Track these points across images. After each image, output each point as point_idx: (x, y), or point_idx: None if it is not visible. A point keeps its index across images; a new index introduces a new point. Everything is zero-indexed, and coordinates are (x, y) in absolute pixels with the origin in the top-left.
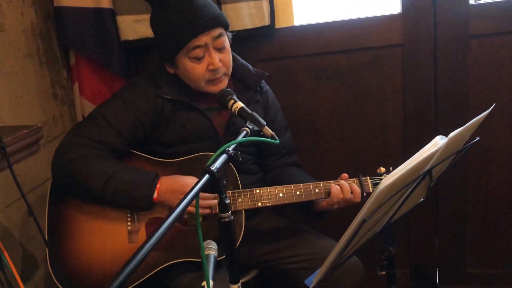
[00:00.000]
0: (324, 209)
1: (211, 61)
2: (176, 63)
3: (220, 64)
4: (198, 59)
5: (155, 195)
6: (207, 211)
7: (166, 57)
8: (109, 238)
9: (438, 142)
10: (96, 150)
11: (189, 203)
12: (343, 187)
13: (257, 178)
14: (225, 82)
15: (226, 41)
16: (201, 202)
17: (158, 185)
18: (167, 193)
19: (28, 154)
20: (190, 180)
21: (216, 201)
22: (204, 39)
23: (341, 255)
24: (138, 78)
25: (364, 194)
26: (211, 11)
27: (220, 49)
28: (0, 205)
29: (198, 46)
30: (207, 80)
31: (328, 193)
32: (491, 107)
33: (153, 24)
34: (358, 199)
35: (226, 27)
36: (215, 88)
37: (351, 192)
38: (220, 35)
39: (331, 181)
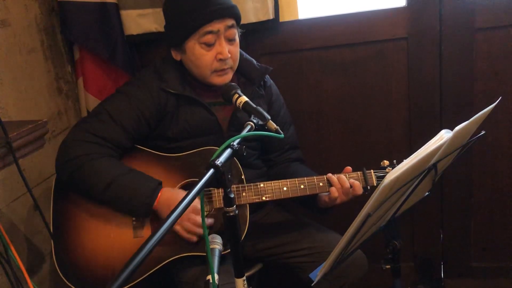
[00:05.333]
0: (327, 205)
1: (221, 50)
2: (184, 48)
3: (229, 55)
4: (209, 45)
5: (155, 203)
6: (194, 238)
7: (175, 41)
8: (114, 232)
9: (444, 136)
10: (100, 148)
11: (193, 199)
12: (340, 178)
13: (261, 173)
14: (229, 76)
15: (237, 34)
16: (191, 226)
17: (159, 195)
18: (164, 207)
19: (33, 149)
20: None
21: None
22: (217, 25)
23: (346, 249)
24: (141, 73)
25: (369, 187)
26: (227, 1)
27: (230, 40)
28: (6, 199)
29: (211, 32)
30: (213, 70)
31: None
32: (497, 101)
33: (167, 5)
34: (359, 191)
35: (238, 20)
36: (219, 80)
37: (351, 186)
38: (232, 26)
39: (335, 174)
